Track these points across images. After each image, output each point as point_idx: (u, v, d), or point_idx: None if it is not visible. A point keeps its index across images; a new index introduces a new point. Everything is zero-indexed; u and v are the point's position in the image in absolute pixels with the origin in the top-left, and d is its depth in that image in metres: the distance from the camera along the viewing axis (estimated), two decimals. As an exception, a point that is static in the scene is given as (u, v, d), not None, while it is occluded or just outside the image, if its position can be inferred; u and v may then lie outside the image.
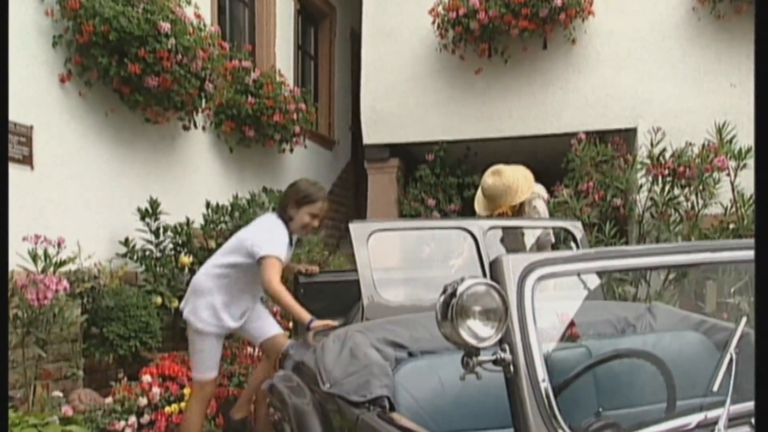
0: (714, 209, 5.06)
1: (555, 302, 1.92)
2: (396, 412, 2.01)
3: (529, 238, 4.05)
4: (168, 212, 4.85)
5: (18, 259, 3.43)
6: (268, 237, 3.33)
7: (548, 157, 5.54)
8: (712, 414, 1.55)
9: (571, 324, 2.11)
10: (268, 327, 3.74)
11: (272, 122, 6.19)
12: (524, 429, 1.46)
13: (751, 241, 1.56)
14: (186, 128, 5.42)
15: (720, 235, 4.79)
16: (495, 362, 1.49)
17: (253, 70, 6.18)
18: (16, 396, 3.55)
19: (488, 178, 3.99)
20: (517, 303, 1.53)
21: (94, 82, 4.58)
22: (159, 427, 3.73)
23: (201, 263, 3.90)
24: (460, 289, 1.42)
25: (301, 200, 3.41)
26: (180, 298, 4.60)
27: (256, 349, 4.42)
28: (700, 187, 5.01)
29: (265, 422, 3.75)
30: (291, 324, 4.11)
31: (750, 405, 1.49)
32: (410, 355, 2.40)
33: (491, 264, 1.60)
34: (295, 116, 6.42)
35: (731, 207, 4.90)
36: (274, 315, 4.04)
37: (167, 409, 3.79)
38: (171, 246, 4.94)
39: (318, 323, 2.93)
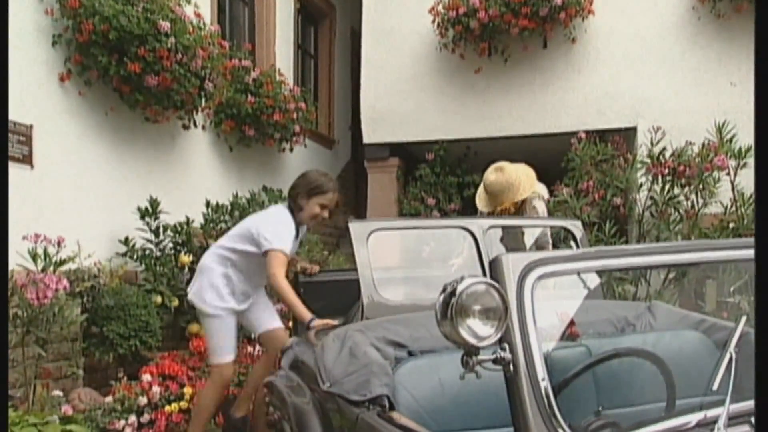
0: (714, 208, 5.06)
1: (555, 301, 1.92)
2: (396, 411, 2.00)
3: (528, 239, 4.04)
4: (168, 211, 4.86)
5: (18, 258, 3.43)
6: (275, 230, 3.33)
7: (548, 157, 5.53)
8: (711, 413, 1.55)
9: (571, 323, 2.11)
10: (269, 319, 3.75)
11: (272, 121, 6.19)
12: (524, 428, 1.46)
13: (751, 240, 1.55)
14: (186, 127, 5.42)
15: (720, 234, 4.79)
16: (495, 361, 1.48)
17: (253, 69, 6.18)
18: (16, 395, 3.55)
19: (491, 175, 3.99)
20: (516, 302, 1.52)
21: (93, 81, 4.58)
22: (159, 426, 3.73)
23: (201, 263, 3.90)
24: (460, 288, 1.42)
25: (311, 191, 3.42)
26: (180, 298, 4.62)
27: (256, 348, 4.42)
28: (700, 186, 5.01)
29: (263, 420, 3.76)
30: (291, 323, 4.11)
31: (750, 404, 1.49)
32: (410, 354, 2.39)
33: (491, 263, 1.59)
34: (295, 115, 6.42)
35: (731, 206, 4.90)
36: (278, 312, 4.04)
37: (167, 408, 3.80)
38: (171, 245, 4.94)
39: (318, 322, 2.94)
